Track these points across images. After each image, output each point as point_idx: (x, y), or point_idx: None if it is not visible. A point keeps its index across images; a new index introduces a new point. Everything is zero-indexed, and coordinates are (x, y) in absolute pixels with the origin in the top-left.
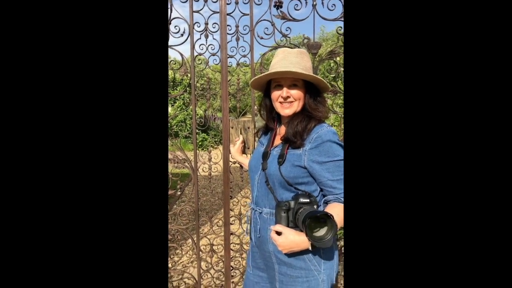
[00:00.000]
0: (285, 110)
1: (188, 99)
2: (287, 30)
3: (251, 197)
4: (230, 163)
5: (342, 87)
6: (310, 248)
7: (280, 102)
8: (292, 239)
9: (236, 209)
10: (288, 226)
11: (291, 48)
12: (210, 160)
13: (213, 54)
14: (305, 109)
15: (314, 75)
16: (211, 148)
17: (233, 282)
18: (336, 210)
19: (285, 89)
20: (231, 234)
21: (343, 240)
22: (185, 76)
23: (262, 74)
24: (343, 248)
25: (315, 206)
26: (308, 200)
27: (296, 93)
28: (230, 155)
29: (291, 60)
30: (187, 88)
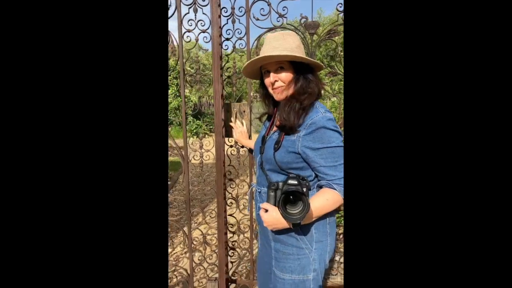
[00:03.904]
0: (278, 95)
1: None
2: (283, 10)
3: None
4: (227, 147)
5: (341, 68)
6: (291, 226)
7: (272, 88)
8: (274, 216)
9: (234, 192)
10: (274, 204)
11: (286, 29)
12: (201, 147)
13: (203, 31)
14: (297, 91)
15: (296, 54)
16: (202, 135)
17: (227, 271)
18: (326, 195)
19: (271, 74)
20: (229, 215)
21: (342, 227)
22: (179, 62)
23: (247, 63)
24: (342, 236)
25: (304, 189)
26: (296, 182)
27: (284, 76)
28: (227, 140)
29: (273, 45)
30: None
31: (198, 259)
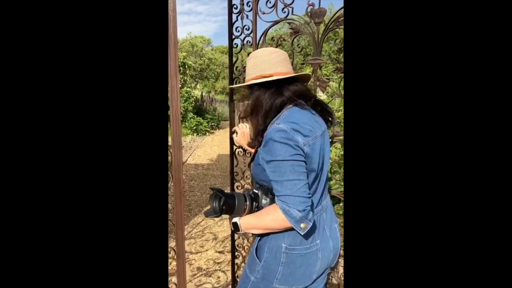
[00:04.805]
0: None
1: (182, 80)
2: None
3: None
4: (235, 147)
5: None
6: (231, 227)
7: None
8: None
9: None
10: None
11: (292, 23)
12: None
13: None
14: (247, 110)
15: (235, 85)
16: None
17: None
18: (269, 209)
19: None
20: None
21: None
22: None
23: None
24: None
25: (263, 201)
26: (257, 192)
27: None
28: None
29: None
30: (181, 68)
31: None
